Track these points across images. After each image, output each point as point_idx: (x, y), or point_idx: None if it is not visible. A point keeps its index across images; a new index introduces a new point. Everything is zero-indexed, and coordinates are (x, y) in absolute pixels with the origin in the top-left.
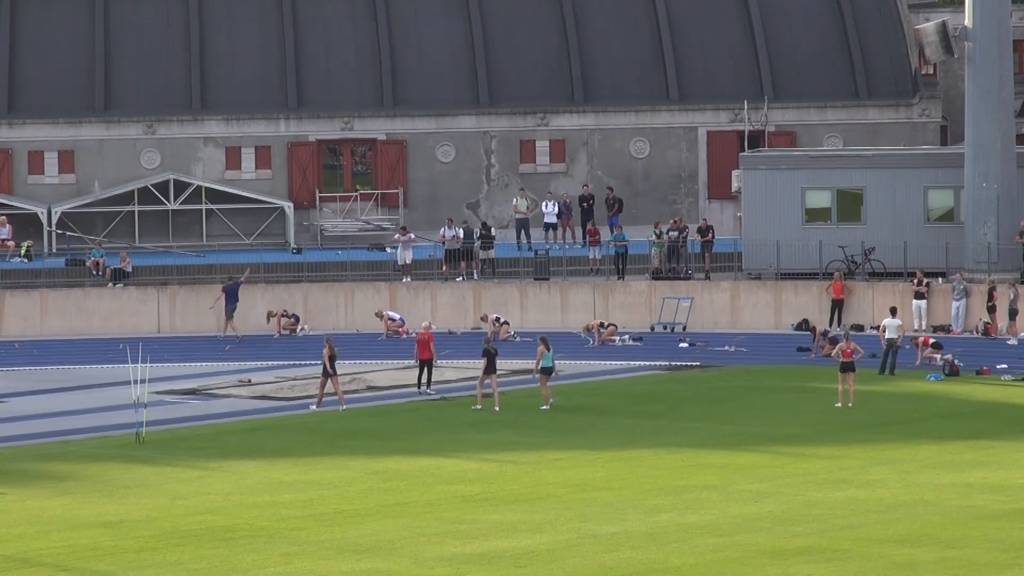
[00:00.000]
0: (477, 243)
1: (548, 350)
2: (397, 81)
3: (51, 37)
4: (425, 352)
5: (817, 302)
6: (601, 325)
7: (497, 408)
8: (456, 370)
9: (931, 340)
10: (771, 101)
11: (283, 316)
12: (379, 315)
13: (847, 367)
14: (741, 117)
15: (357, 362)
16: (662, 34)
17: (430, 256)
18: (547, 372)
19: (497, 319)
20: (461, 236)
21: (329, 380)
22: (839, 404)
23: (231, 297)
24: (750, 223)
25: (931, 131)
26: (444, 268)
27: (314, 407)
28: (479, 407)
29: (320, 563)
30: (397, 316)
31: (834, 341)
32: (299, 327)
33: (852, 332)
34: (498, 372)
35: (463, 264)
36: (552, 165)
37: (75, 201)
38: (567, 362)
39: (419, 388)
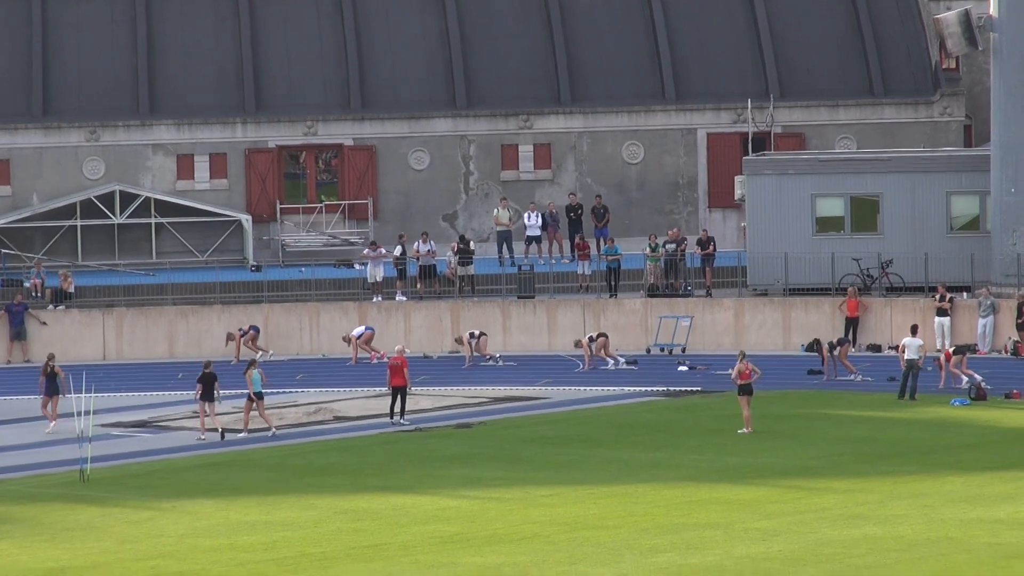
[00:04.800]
0: (454, 259)
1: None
2: (365, 81)
3: None
4: (398, 379)
5: (830, 320)
6: (591, 339)
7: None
8: (433, 398)
9: (951, 350)
10: (777, 100)
11: (242, 334)
12: (347, 340)
13: (745, 390)
14: (744, 118)
15: (324, 390)
16: (657, 27)
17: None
18: None
19: (472, 334)
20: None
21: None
22: (745, 431)
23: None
24: (755, 234)
25: (953, 131)
26: (419, 286)
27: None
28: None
29: None
30: (362, 330)
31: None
32: (260, 351)
33: (868, 352)
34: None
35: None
36: (537, 172)
37: (11, 215)
38: (554, 388)
39: (392, 418)
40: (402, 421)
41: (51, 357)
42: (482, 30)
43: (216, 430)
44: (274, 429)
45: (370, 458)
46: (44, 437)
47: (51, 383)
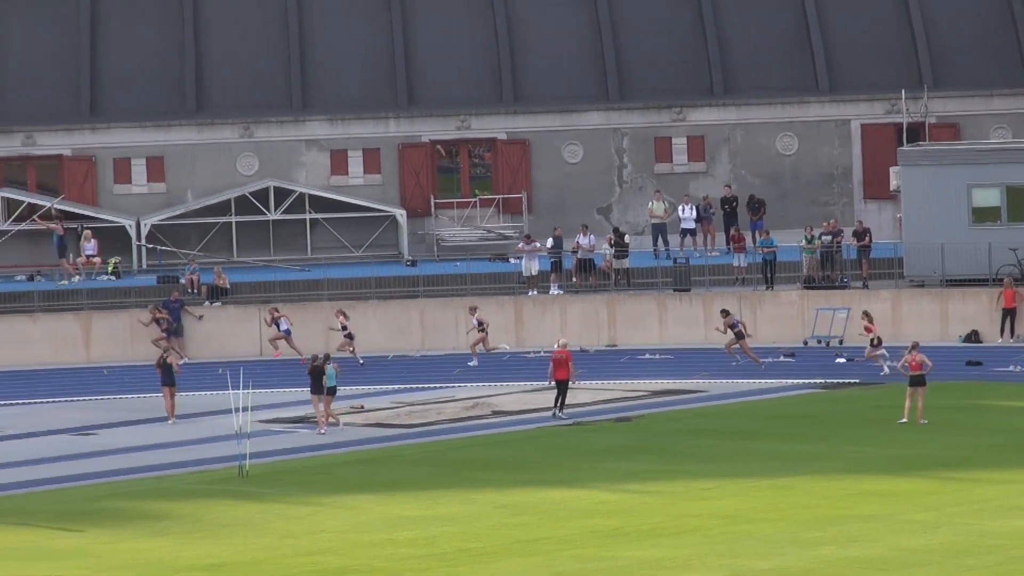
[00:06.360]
0: (609, 252)
1: None
2: (518, 75)
3: (136, 33)
4: (562, 372)
5: (988, 311)
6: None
7: None
8: (591, 392)
9: None
10: (931, 90)
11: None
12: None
13: (916, 381)
14: (898, 108)
15: (481, 384)
16: (808, 17)
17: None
18: None
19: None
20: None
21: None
22: (904, 420)
23: (173, 315)
24: (911, 225)
25: None
26: (575, 279)
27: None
28: None
29: None
30: (287, 327)
31: None
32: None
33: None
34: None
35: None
36: (690, 164)
37: (166, 212)
38: (712, 381)
39: (555, 412)
40: (561, 415)
41: (165, 349)
42: (634, 21)
43: (335, 423)
44: (326, 427)
45: (529, 452)
46: (203, 433)
47: (167, 374)
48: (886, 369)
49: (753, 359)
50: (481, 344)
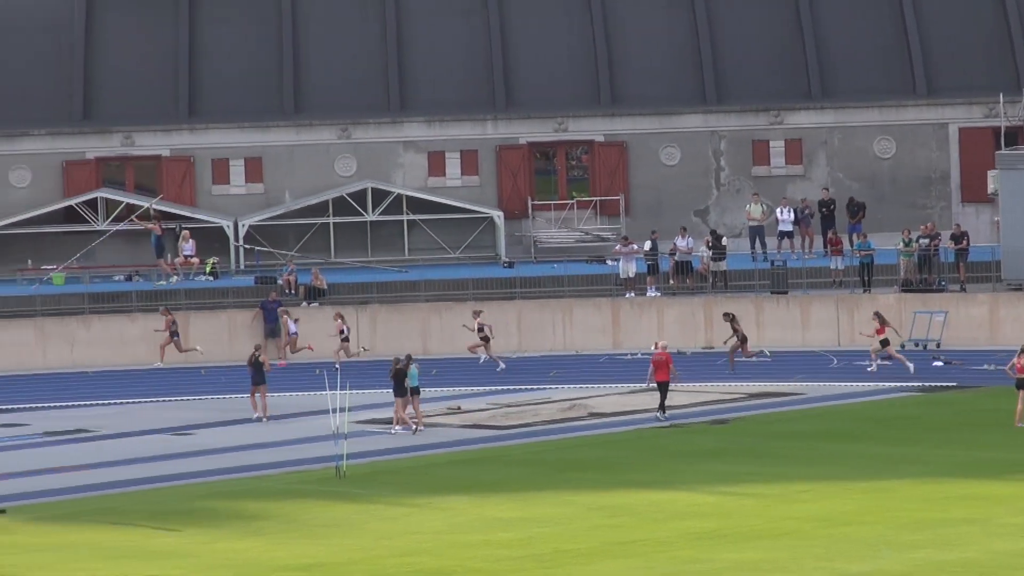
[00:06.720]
0: (707, 254)
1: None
2: (615, 77)
3: (235, 34)
4: (662, 374)
5: None
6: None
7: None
8: (688, 394)
9: None
10: None
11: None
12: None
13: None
14: (996, 112)
15: (578, 386)
16: (907, 20)
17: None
18: None
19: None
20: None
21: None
22: (1020, 424)
23: (270, 316)
24: (1009, 228)
25: None
26: (672, 281)
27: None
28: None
29: None
30: (294, 328)
31: None
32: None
33: None
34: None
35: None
36: (788, 167)
37: (264, 213)
38: (809, 383)
39: (660, 413)
40: (660, 417)
41: (257, 347)
42: (732, 23)
43: (411, 426)
44: (420, 427)
45: (625, 454)
46: (300, 434)
47: (257, 373)
48: (874, 367)
49: (749, 357)
50: (483, 349)
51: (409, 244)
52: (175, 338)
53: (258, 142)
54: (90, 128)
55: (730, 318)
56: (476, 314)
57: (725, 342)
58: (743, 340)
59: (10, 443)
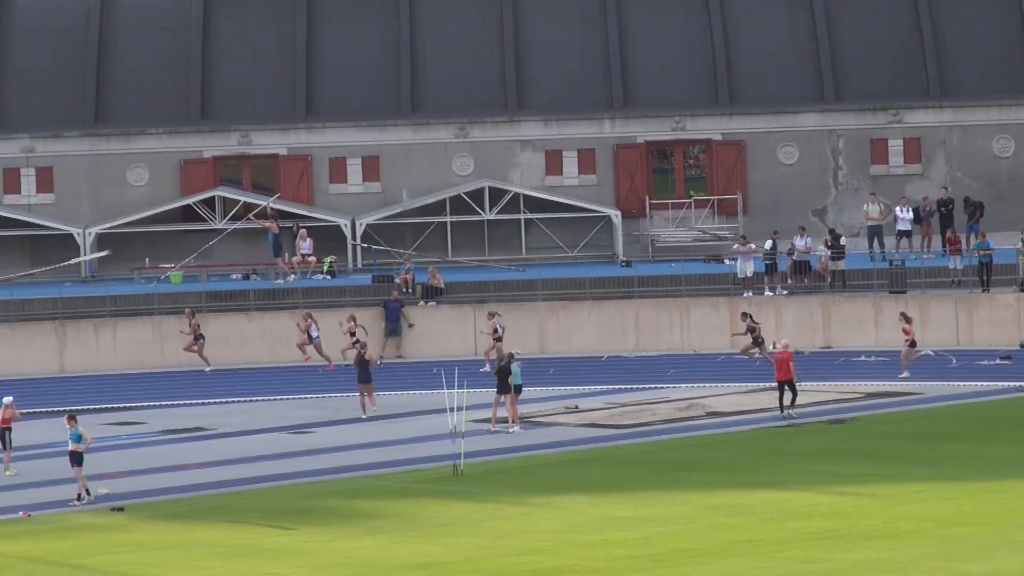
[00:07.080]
0: (825, 253)
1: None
2: (733, 76)
3: (353, 34)
4: (784, 372)
5: None
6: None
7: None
8: (806, 393)
9: None
10: None
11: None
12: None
13: None
14: None
15: (695, 385)
16: None
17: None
18: None
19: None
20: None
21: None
22: None
23: (391, 315)
24: None
25: None
26: (790, 281)
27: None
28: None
29: None
30: (317, 334)
31: None
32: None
33: None
34: None
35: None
36: (906, 166)
37: (381, 212)
38: (923, 383)
39: (782, 411)
40: (791, 413)
41: (363, 345)
42: (850, 22)
43: (507, 423)
44: (516, 427)
45: (742, 454)
46: (417, 432)
47: (364, 370)
48: (906, 373)
49: (767, 359)
50: (494, 351)
51: (526, 243)
52: (200, 341)
53: (375, 141)
54: (208, 127)
55: (747, 318)
56: (491, 315)
57: (734, 335)
58: (758, 342)
59: (128, 441)
